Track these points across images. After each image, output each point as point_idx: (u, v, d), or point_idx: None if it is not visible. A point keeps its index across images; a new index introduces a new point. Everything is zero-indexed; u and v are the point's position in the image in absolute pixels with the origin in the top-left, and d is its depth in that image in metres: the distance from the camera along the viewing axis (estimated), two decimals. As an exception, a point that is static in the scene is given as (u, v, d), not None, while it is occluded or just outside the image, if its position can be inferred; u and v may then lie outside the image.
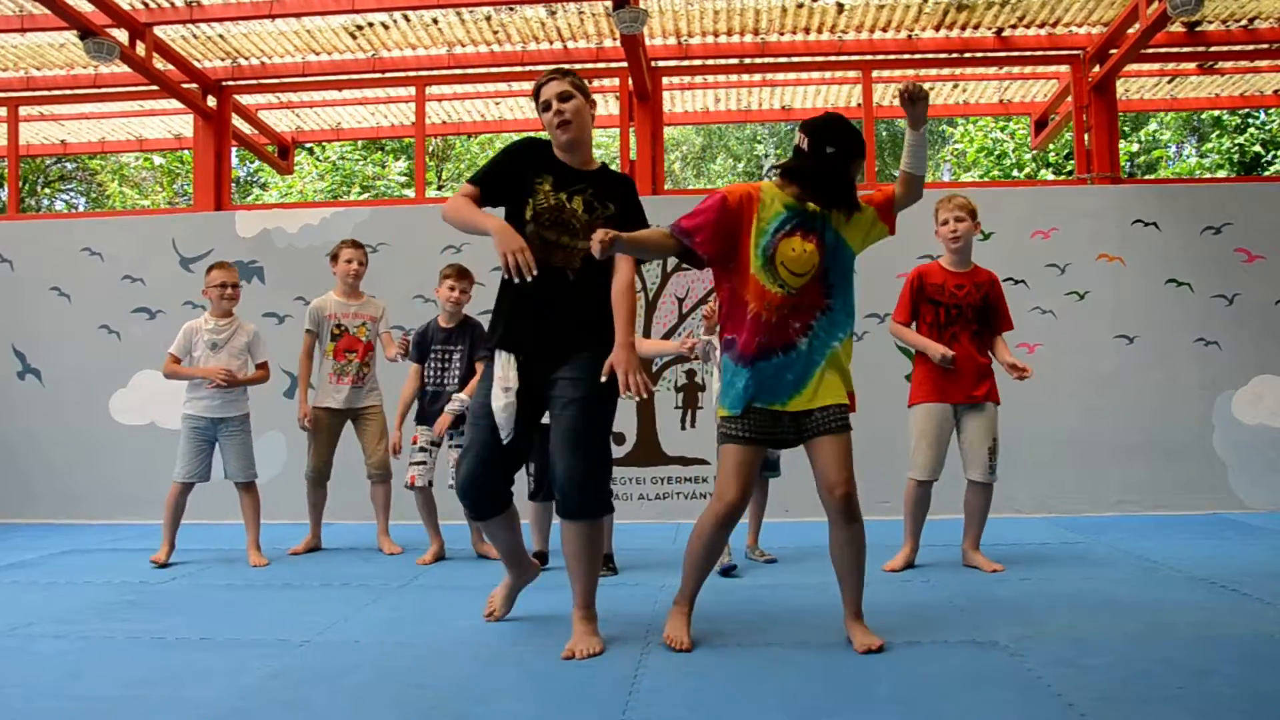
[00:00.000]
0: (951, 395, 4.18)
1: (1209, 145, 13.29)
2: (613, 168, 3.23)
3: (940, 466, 4.24)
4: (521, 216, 3.02)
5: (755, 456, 2.95)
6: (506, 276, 2.84)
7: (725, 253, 2.96)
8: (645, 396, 2.88)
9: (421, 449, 4.74)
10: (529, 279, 2.80)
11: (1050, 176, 13.60)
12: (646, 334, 6.36)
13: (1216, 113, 12.68)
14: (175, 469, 4.76)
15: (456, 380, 4.74)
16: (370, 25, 6.59)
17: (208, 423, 4.79)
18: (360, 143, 14.99)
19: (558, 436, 2.97)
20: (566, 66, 3.22)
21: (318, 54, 7.01)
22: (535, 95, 3.14)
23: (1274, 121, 12.90)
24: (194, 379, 4.76)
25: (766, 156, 18.40)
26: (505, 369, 2.98)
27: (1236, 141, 12.95)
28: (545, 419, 3.10)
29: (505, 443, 2.96)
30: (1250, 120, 12.97)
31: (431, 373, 4.77)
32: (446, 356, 4.75)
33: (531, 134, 3.20)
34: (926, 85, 7.57)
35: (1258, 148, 13.00)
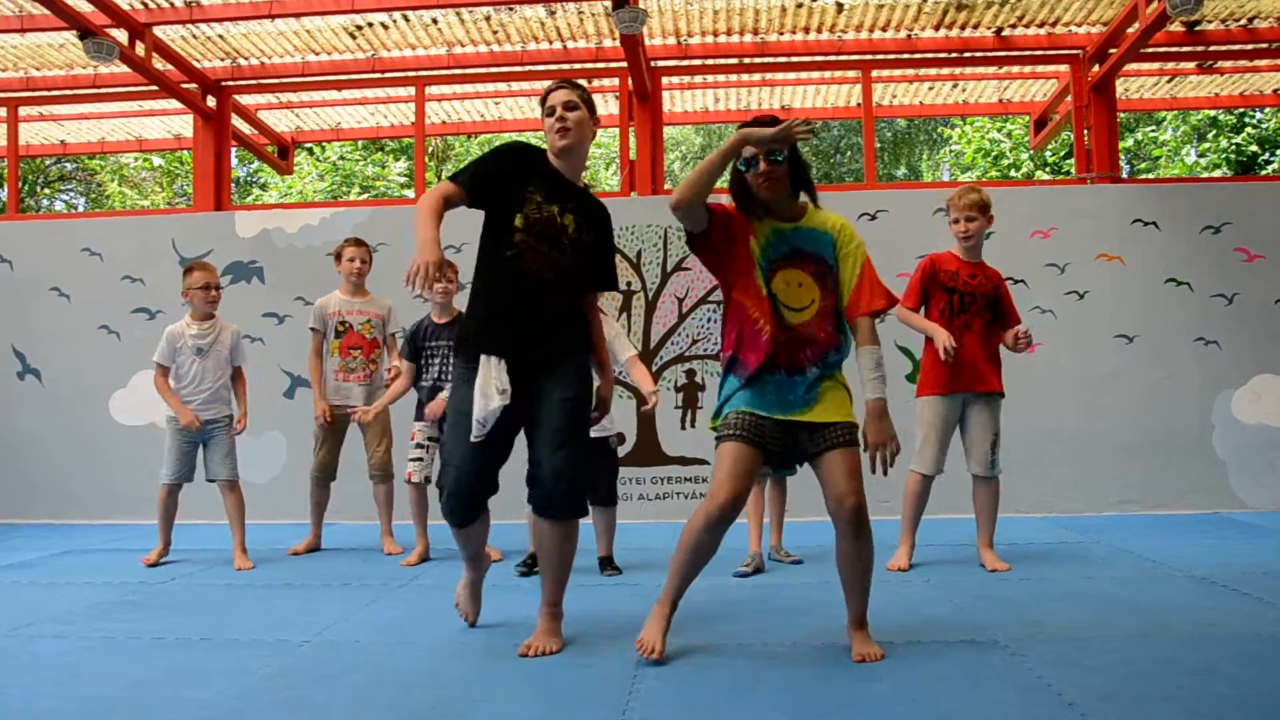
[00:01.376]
0: (960, 386, 4.18)
1: (1205, 145, 13.28)
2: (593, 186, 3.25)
3: (944, 460, 4.24)
4: (510, 224, 2.99)
5: (751, 457, 2.82)
6: (407, 285, 2.78)
7: (725, 256, 2.89)
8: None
9: (419, 445, 4.73)
10: (419, 292, 2.83)
11: (1046, 177, 13.60)
12: (646, 333, 6.36)
13: (1213, 112, 12.68)
14: (161, 471, 4.79)
15: (449, 376, 4.72)
16: (370, 25, 6.59)
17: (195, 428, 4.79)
18: (360, 143, 14.99)
19: (547, 435, 2.95)
20: (580, 81, 3.19)
21: (317, 54, 7.01)
22: (542, 100, 3.14)
23: (1270, 121, 12.89)
24: (174, 403, 4.73)
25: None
26: (496, 372, 2.93)
27: (1234, 141, 12.95)
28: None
29: (475, 441, 2.91)
30: (1247, 119, 12.96)
31: (429, 369, 4.71)
32: (443, 352, 4.70)
33: (521, 139, 3.17)
34: (926, 85, 7.61)
35: (1254, 147, 13.00)
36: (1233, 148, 12.95)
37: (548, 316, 3.00)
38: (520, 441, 3.07)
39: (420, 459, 4.72)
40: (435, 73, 7.10)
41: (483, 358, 2.96)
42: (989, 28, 6.69)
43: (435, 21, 6.56)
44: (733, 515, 2.80)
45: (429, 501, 4.78)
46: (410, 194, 14.34)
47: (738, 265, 2.89)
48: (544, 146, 3.16)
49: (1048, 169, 14.17)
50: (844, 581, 2.91)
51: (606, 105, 7.52)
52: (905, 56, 6.93)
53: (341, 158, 15.25)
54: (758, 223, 2.89)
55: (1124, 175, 10.37)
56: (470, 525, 3.06)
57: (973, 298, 4.19)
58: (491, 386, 2.91)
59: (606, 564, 4.34)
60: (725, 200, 2.96)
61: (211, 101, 7.18)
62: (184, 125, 8.13)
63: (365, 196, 14.40)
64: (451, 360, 4.67)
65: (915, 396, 4.33)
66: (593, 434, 4.12)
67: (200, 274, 4.84)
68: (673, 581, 2.90)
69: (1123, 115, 12.84)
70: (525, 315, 2.98)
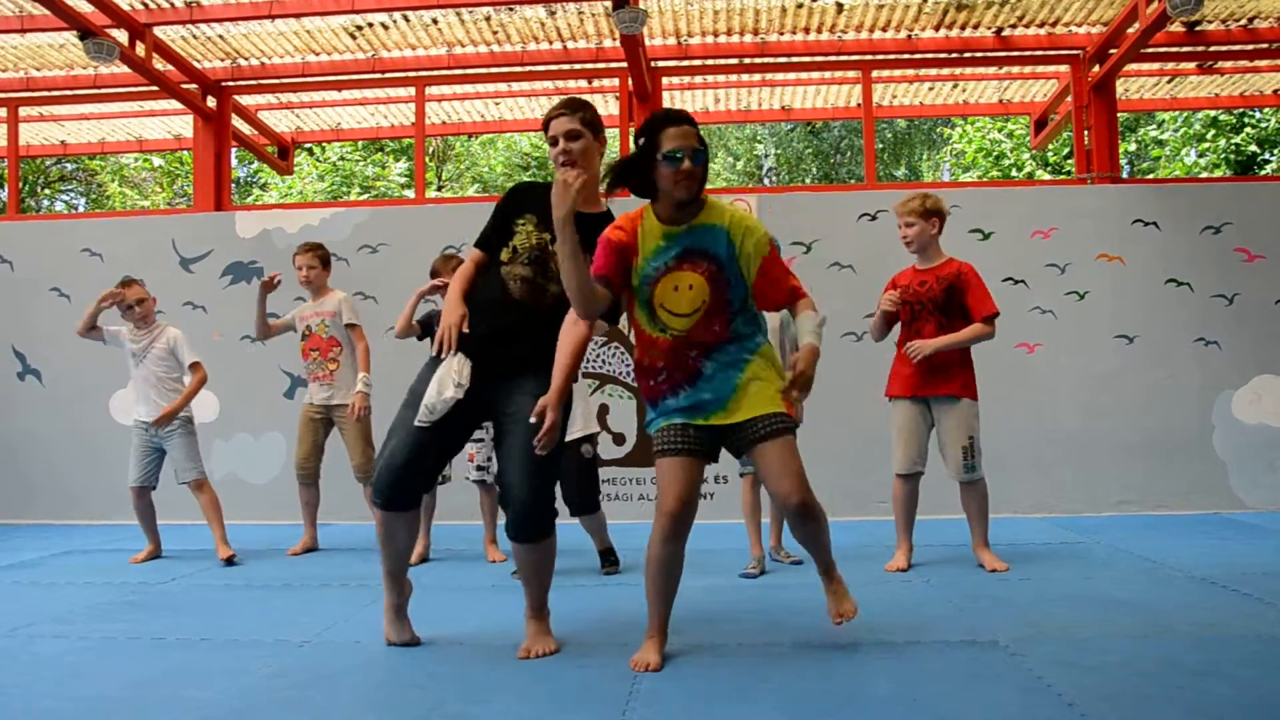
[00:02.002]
0: (919, 389, 4.20)
1: (1204, 145, 13.28)
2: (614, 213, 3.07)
3: (919, 459, 4.23)
4: (498, 256, 3.00)
5: (688, 465, 2.78)
6: (435, 351, 2.95)
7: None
8: (542, 453, 2.78)
9: None
10: (442, 355, 2.91)
11: (1047, 177, 13.61)
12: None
13: (1213, 112, 12.68)
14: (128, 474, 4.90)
15: None
16: (370, 25, 6.59)
17: (147, 428, 4.88)
18: (361, 143, 14.98)
19: (516, 455, 2.86)
20: (581, 98, 3.08)
21: (317, 54, 7.01)
22: (545, 126, 3.03)
23: (1269, 120, 12.88)
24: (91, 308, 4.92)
25: (766, 156, 18.39)
26: (459, 366, 2.92)
27: (1233, 141, 12.94)
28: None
29: (420, 425, 2.89)
30: (1246, 119, 12.96)
31: None
32: None
33: (526, 180, 3.15)
34: (927, 86, 7.60)
35: (1253, 147, 12.99)
36: (1232, 148, 12.95)
37: (528, 344, 2.96)
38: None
39: None
40: (435, 73, 7.10)
41: (454, 355, 2.94)
42: (989, 28, 6.69)
43: (435, 22, 6.56)
44: (684, 524, 2.78)
45: (435, 500, 4.84)
46: (410, 194, 14.34)
47: (626, 298, 2.86)
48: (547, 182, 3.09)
49: (1048, 169, 14.17)
50: (809, 550, 2.97)
51: (607, 106, 7.52)
52: (905, 57, 6.93)
53: (341, 158, 15.25)
54: (642, 231, 2.78)
55: (1124, 175, 10.37)
56: (397, 512, 2.96)
57: (920, 304, 4.21)
58: (449, 378, 2.89)
59: (607, 558, 4.33)
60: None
61: (212, 102, 7.18)
62: (184, 126, 8.13)
63: (365, 197, 14.40)
64: None
65: (885, 397, 4.38)
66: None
67: (129, 292, 4.94)
68: (653, 607, 2.84)
69: (1123, 116, 12.84)
70: (506, 338, 2.95)
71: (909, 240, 4.25)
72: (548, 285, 2.96)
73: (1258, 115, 12.79)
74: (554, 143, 2.96)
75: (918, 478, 4.27)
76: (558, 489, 3.06)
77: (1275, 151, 13.00)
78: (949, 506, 5.23)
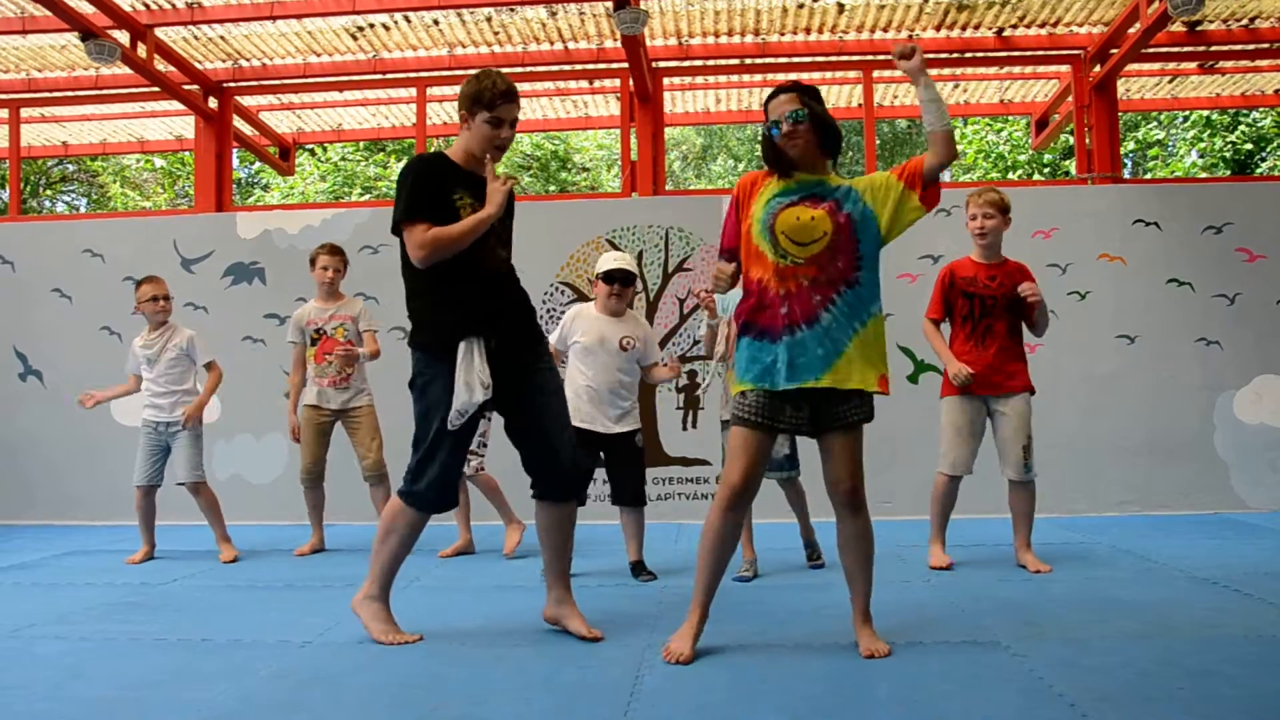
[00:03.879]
0: (983, 387, 4.14)
1: (1200, 145, 13.27)
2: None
3: (972, 461, 4.20)
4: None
5: (758, 440, 2.82)
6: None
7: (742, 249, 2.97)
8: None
9: None
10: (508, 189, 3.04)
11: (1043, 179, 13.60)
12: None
13: (1206, 112, 12.67)
14: (134, 473, 4.92)
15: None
16: (371, 26, 6.60)
17: (156, 427, 4.91)
18: (362, 144, 14.97)
19: (552, 422, 3.09)
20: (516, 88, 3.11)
21: (319, 55, 7.02)
22: (489, 98, 2.99)
23: (1264, 120, 12.86)
24: (110, 396, 5.10)
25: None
26: (480, 364, 2.97)
27: (1229, 140, 12.93)
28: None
29: (453, 430, 2.99)
30: (1240, 119, 12.93)
31: None
32: None
33: (430, 152, 3.16)
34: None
35: (1249, 145, 12.97)
36: (1228, 147, 12.93)
37: (514, 304, 3.13)
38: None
39: None
40: (436, 74, 7.10)
41: (462, 346, 2.98)
42: (990, 28, 6.69)
43: (436, 23, 6.56)
44: (746, 498, 2.86)
45: (470, 497, 4.91)
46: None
47: (743, 242, 2.93)
48: (441, 152, 3.14)
49: (1045, 170, 14.17)
50: (848, 570, 2.94)
51: (608, 106, 7.52)
52: (906, 57, 6.92)
53: (343, 159, 15.25)
54: (766, 182, 2.92)
55: (1125, 175, 10.36)
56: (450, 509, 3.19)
57: (994, 300, 4.13)
58: (475, 378, 2.95)
59: (639, 569, 4.19)
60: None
61: (213, 103, 7.19)
62: (185, 126, 8.13)
63: (367, 198, 14.40)
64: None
65: (940, 397, 4.30)
66: (620, 430, 4.12)
67: (148, 287, 4.99)
68: (701, 581, 2.92)
69: (1124, 116, 12.83)
70: (494, 299, 3.07)
71: (985, 232, 4.15)
72: (502, 251, 3.14)
73: (1252, 115, 12.77)
74: (498, 123, 3.02)
75: (961, 480, 4.23)
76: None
77: (1272, 150, 12.97)
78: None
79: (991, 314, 4.15)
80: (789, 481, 4.28)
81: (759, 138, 2.95)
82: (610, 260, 4.22)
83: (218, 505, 4.97)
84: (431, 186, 3.00)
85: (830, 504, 2.93)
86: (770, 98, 2.91)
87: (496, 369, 3.02)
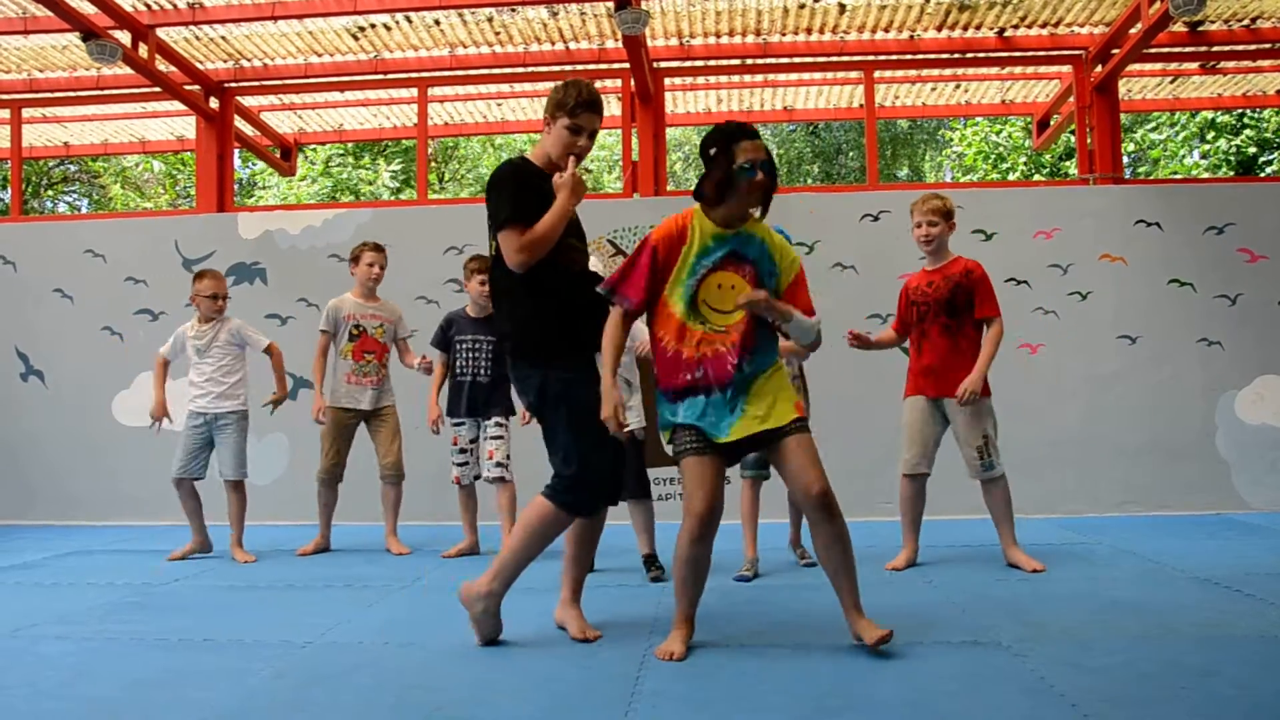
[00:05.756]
0: (929, 389, 4.22)
1: (1204, 146, 13.26)
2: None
3: (926, 460, 4.24)
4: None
5: (713, 464, 2.86)
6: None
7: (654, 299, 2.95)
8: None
9: (462, 449, 4.86)
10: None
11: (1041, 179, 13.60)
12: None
13: (1212, 114, 12.66)
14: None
15: (486, 370, 4.81)
16: (372, 27, 6.60)
17: (204, 419, 4.91)
18: (349, 146, 14.73)
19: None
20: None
21: (320, 55, 7.02)
22: (571, 105, 3.00)
23: (1268, 122, 12.85)
24: (158, 392, 5.00)
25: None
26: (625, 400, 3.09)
27: (1234, 142, 12.92)
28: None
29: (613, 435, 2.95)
30: (1246, 120, 12.93)
31: (461, 363, 4.86)
32: (476, 347, 4.85)
33: (513, 159, 3.15)
34: (929, 86, 7.61)
35: (1252, 148, 12.96)
36: (1233, 149, 12.92)
37: (595, 306, 3.05)
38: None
39: (465, 463, 4.87)
40: (438, 74, 7.11)
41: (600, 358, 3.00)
42: (991, 28, 6.69)
43: (438, 23, 6.56)
44: (713, 525, 2.85)
45: (477, 499, 4.94)
46: (404, 196, 14.32)
47: (655, 299, 2.93)
48: (524, 155, 3.14)
49: (1044, 171, 14.17)
50: (830, 573, 2.92)
51: (609, 106, 7.51)
52: (907, 57, 6.93)
53: (329, 160, 14.82)
54: (693, 230, 2.90)
55: (1127, 176, 10.35)
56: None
57: (926, 305, 4.22)
58: (629, 410, 3.12)
59: (651, 562, 4.21)
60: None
61: (214, 103, 7.19)
62: (187, 127, 8.14)
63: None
64: (481, 355, 4.81)
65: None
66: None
67: (209, 283, 4.99)
68: (681, 600, 2.94)
69: (1125, 116, 12.82)
70: (585, 309, 3.05)
71: (930, 239, 4.22)
72: (583, 245, 3.19)
73: (1258, 116, 12.77)
74: (577, 130, 3.01)
75: (924, 479, 4.27)
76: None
77: (1276, 153, 12.95)
78: (953, 507, 5.27)
79: (925, 319, 4.23)
80: (761, 481, 4.28)
81: (708, 170, 2.89)
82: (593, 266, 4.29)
83: (244, 509, 4.99)
84: (531, 189, 3.00)
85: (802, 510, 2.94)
86: (734, 138, 2.84)
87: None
